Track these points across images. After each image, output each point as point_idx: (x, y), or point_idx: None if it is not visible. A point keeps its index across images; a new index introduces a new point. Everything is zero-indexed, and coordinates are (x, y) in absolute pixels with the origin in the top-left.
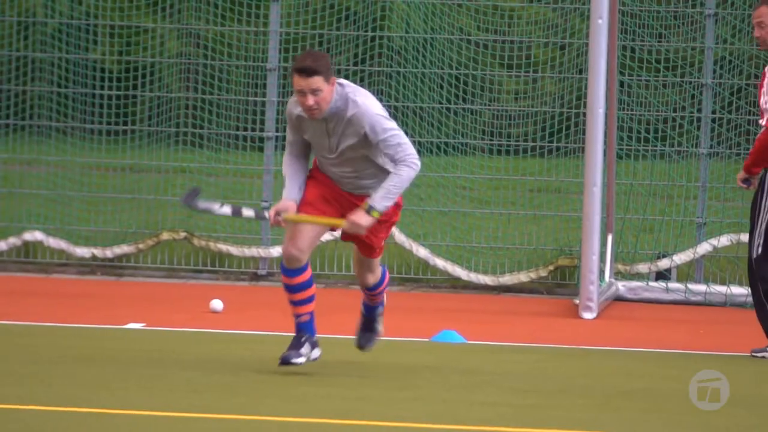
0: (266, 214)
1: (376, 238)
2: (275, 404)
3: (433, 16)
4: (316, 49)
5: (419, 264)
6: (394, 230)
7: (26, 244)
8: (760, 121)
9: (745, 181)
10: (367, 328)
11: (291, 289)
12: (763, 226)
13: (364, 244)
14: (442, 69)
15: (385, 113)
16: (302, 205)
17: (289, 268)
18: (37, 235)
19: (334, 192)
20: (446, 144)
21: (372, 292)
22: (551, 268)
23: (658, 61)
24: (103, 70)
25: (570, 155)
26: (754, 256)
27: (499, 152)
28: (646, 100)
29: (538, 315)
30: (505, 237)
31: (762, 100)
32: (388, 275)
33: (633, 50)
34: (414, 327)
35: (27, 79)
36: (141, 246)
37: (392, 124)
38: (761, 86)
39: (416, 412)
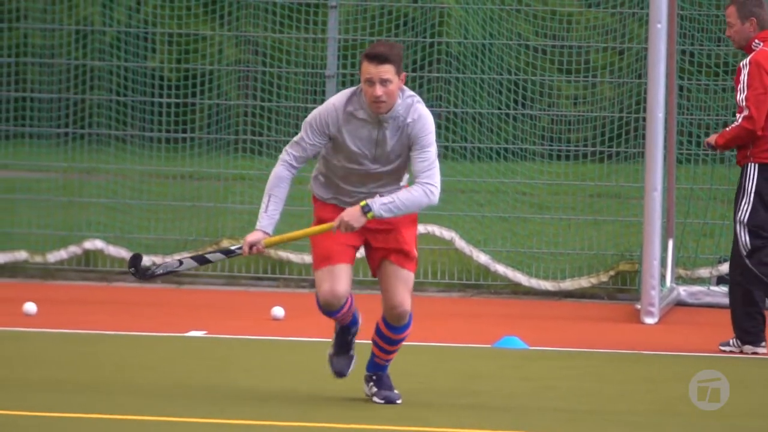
0: (236, 250)
1: (406, 244)
2: (337, 411)
3: (491, 22)
4: None
5: (480, 270)
6: (454, 236)
7: (87, 252)
8: (738, 115)
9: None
10: (386, 388)
11: (333, 317)
12: (745, 223)
13: (397, 252)
14: (501, 74)
15: (434, 131)
16: (324, 261)
17: (328, 311)
18: (98, 244)
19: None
20: (505, 150)
21: (397, 335)
22: (612, 273)
23: (717, 65)
24: (161, 78)
25: (629, 160)
26: (745, 253)
27: (558, 157)
28: (705, 104)
29: (599, 320)
30: (566, 242)
31: (738, 97)
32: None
33: (692, 54)
34: (475, 333)
35: (85, 88)
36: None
37: (435, 144)
38: (737, 82)
39: (478, 419)
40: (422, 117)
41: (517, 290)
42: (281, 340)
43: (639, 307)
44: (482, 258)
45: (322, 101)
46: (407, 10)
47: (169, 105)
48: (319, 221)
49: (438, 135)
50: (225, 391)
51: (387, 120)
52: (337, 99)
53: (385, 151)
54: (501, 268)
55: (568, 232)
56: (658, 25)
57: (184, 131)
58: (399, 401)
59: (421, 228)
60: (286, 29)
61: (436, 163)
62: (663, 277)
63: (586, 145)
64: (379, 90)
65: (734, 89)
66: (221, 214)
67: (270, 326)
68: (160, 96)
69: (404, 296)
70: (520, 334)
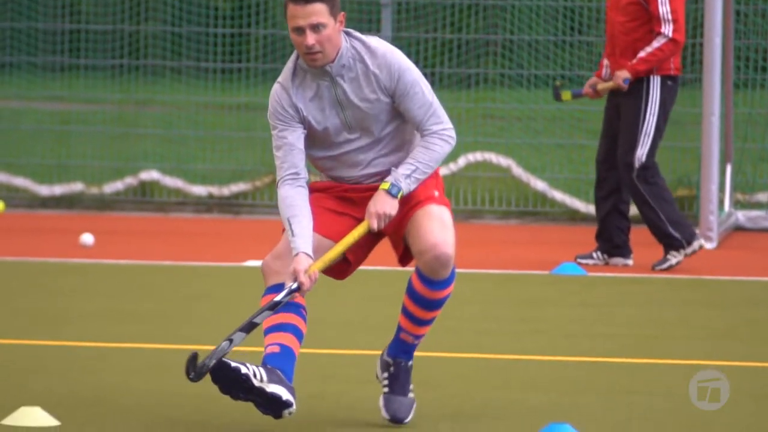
0: (293, 286)
1: (427, 191)
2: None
3: None
4: None
5: (537, 197)
6: (511, 163)
7: (143, 183)
8: (662, 30)
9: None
10: (400, 389)
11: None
12: (650, 135)
13: (418, 203)
14: (556, 0)
15: (412, 64)
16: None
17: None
18: (154, 175)
19: (339, 199)
20: (561, 76)
21: (435, 292)
22: None
23: None
24: (215, 8)
25: (687, 86)
26: (638, 165)
27: None
28: (762, 28)
29: (658, 246)
30: None
31: (661, 9)
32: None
33: None
34: (534, 260)
35: (140, 19)
36: (257, 183)
37: (422, 78)
38: None
39: (538, 345)
40: (385, 56)
41: (575, 216)
42: None
43: (698, 232)
44: (539, 185)
45: (378, 29)
46: None
47: (223, 35)
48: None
49: (494, 62)
50: None
51: (337, 71)
52: (282, 77)
53: (356, 114)
54: (558, 195)
55: None
56: None
57: (239, 61)
58: (407, 420)
59: (478, 155)
60: None
61: (434, 99)
62: (721, 202)
63: None
64: (310, 38)
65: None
66: None
67: None
68: (215, 26)
69: (442, 235)
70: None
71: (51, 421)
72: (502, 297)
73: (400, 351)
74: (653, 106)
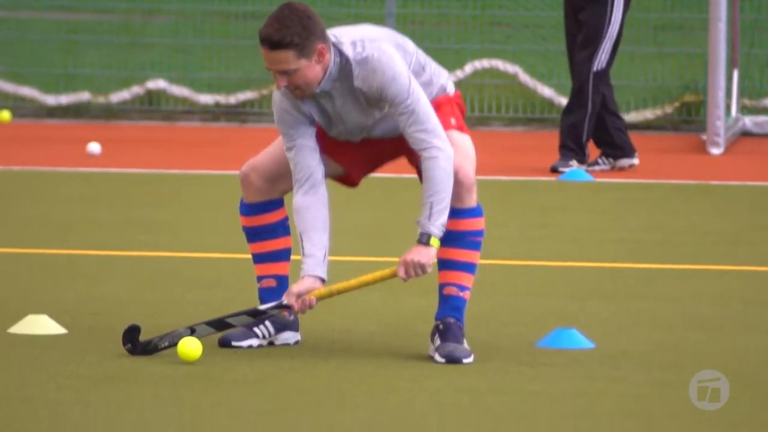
0: (271, 310)
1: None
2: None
3: None
4: None
5: (544, 103)
6: (518, 70)
7: (149, 92)
8: None
9: None
10: (453, 339)
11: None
12: (610, 42)
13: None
14: None
15: (407, 69)
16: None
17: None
18: (160, 84)
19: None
20: None
21: (463, 221)
22: (677, 104)
23: None
24: None
25: None
26: (596, 69)
27: None
28: None
29: (665, 152)
30: (630, 75)
31: None
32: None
33: None
34: (542, 166)
35: None
36: (264, 92)
37: (416, 85)
38: None
39: (547, 251)
40: (372, 66)
41: None
42: None
43: (705, 137)
44: (546, 92)
45: None
46: None
47: None
48: None
49: None
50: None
51: (327, 88)
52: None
53: (353, 119)
54: (565, 101)
55: (632, 64)
56: None
57: None
58: (467, 361)
59: (485, 63)
60: None
61: (428, 111)
62: (728, 107)
63: None
64: (281, 81)
65: None
66: None
67: None
68: None
69: (463, 159)
70: (587, 167)
71: (58, 329)
72: (510, 204)
73: (448, 309)
74: (617, 12)
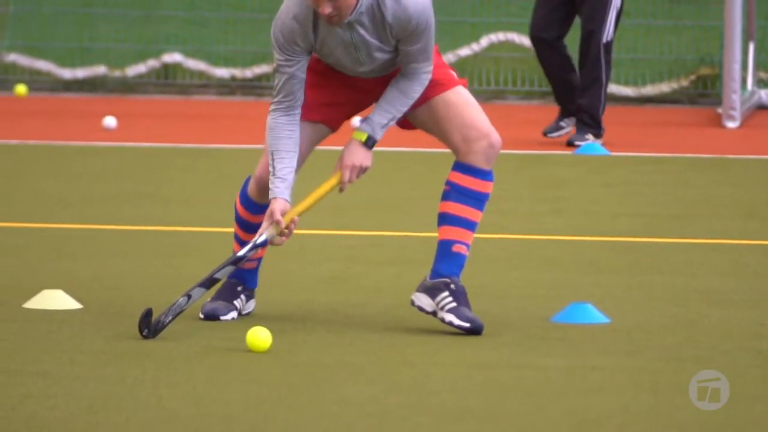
0: (259, 240)
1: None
2: (420, 220)
3: None
4: None
5: None
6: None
7: (165, 66)
8: None
9: None
10: (466, 303)
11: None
12: (615, 11)
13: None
14: None
15: (432, 20)
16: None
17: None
18: (176, 57)
19: (339, 88)
20: None
21: (484, 183)
22: (692, 77)
23: None
24: None
25: None
26: (605, 41)
27: None
28: None
29: (681, 125)
30: (646, 48)
31: None
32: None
33: None
34: (556, 139)
35: None
36: None
37: (433, 29)
38: None
39: (561, 225)
40: (407, 10)
41: None
42: None
43: (720, 111)
44: None
45: None
46: None
47: None
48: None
49: None
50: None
51: (353, 19)
52: (297, 10)
53: (369, 54)
54: None
55: (648, 37)
56: None
57: None
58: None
59: (501, 36)
60: None
61: (432, 46)
62: (744, 80)
63: None
64: (327, 8)
65: None
66: None
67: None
68: None
69: (485, 119)
70: (602, 139)
71: (73, 304)
72: (525, 177)
73: (455, 267)
74: None
